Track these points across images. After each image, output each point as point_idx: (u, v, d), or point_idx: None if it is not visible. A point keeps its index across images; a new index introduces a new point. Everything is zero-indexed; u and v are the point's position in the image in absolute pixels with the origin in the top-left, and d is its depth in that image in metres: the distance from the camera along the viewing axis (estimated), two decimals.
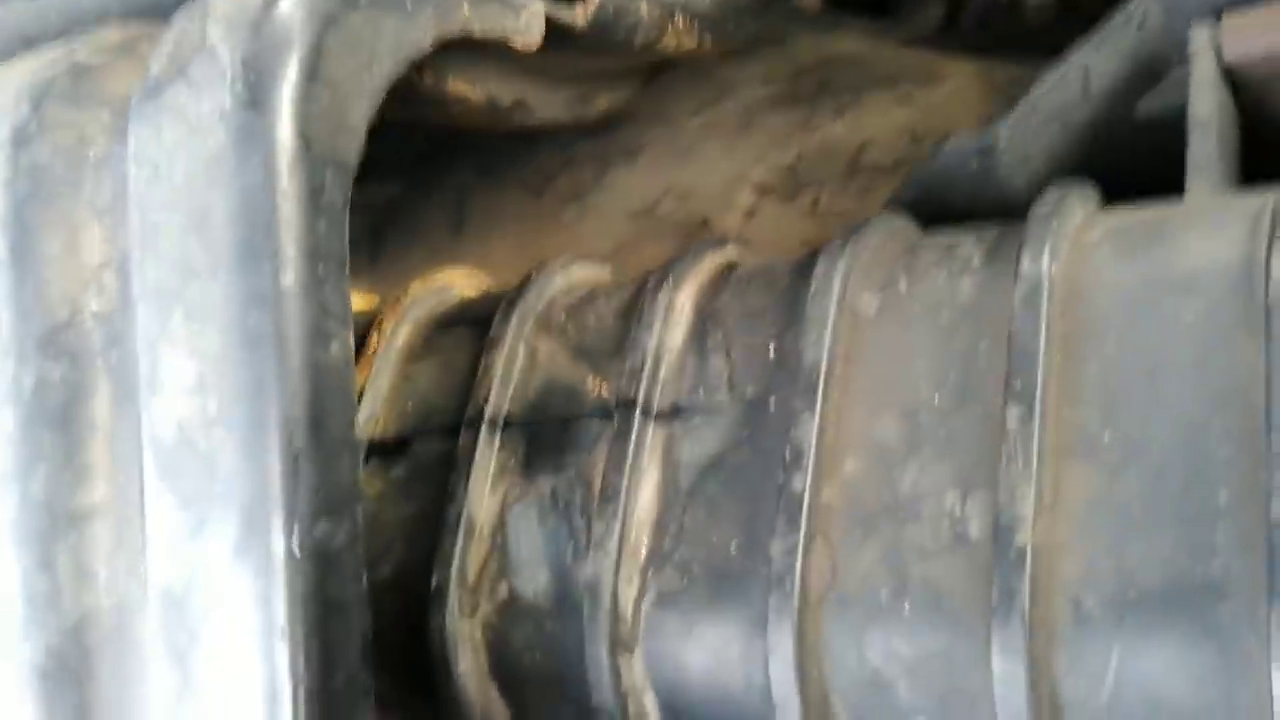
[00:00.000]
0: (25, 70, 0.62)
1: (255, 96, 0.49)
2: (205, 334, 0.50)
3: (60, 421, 0.56)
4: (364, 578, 0.50)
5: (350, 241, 1.30)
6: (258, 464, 0.48)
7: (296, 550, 0.48)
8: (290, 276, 0.48)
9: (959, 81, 1.05)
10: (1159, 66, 0.60)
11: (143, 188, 0.52)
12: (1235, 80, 0.57)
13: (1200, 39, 0.57)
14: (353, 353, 0.51)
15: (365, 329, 0.73)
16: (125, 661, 0.55)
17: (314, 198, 0.50)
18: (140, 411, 0.53)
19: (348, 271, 0.51)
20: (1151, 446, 0.46)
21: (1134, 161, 0.63)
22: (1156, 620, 0.44)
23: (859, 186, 1.01)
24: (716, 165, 1.11)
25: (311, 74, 0.50)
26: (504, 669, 0.60)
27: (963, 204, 0.63)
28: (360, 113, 0.52)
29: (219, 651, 0.49)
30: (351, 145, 0.52)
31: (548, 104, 0.80)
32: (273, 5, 0.51)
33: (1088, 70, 0.60)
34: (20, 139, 0.58)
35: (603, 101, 0.87)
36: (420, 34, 0.55)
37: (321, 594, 0.48)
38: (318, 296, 0.49)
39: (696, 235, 1.07)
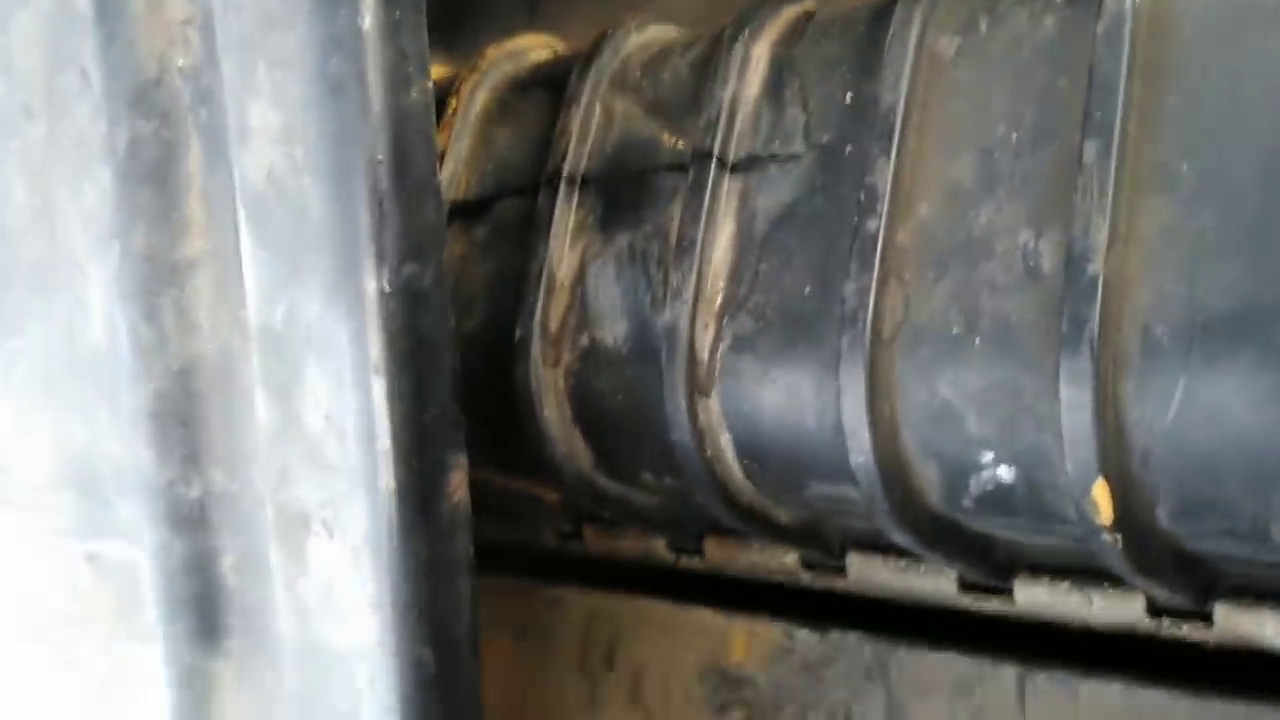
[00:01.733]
0: None
1: None
2: (289, 83, 0.51)
3: (155, 178, 0.58)
4: (450, 317, 0.53)
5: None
6: (346, 209, 0.50)
7: (386, 289, 0.50)
8: (368, 20, 0.49)
9: None
10: None
11: None
12: None
13: None
14: (432, 98, 0.52)
15: (443, 94, 0.73)
16: (230, 403, 0.58)
17: None
18: (231, 164, 0.55)
19: (424, 15, 0.51)
20: (1229, 176, 0.46)
21: None
22: (1224, 344, 0.45)
23: None
24: None
25: None
26: (586, 414, 0.63)
27: None
28: None
29: (318, 388, 0.52)
30: None
31: None
32: None
33: None
34: None
35: None
36: None
37: (412, 331, 0.51)
38: (396, 41, 0.50)
39: None
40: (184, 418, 0.59)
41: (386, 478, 0.51)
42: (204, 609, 0.60)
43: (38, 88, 0.62)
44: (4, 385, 0.66)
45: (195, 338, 0.59)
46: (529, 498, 0.73)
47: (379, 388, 0.50)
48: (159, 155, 0.58)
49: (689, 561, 0.72)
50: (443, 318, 0.52)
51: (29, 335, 0.64)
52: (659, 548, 0.73)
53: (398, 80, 0.50)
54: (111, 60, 0.58)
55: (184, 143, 0.58)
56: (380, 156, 0.50)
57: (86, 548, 0.64)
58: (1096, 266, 0.47)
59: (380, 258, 0.50)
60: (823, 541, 0.64)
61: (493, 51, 0.73)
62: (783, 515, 0.63)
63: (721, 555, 0.70)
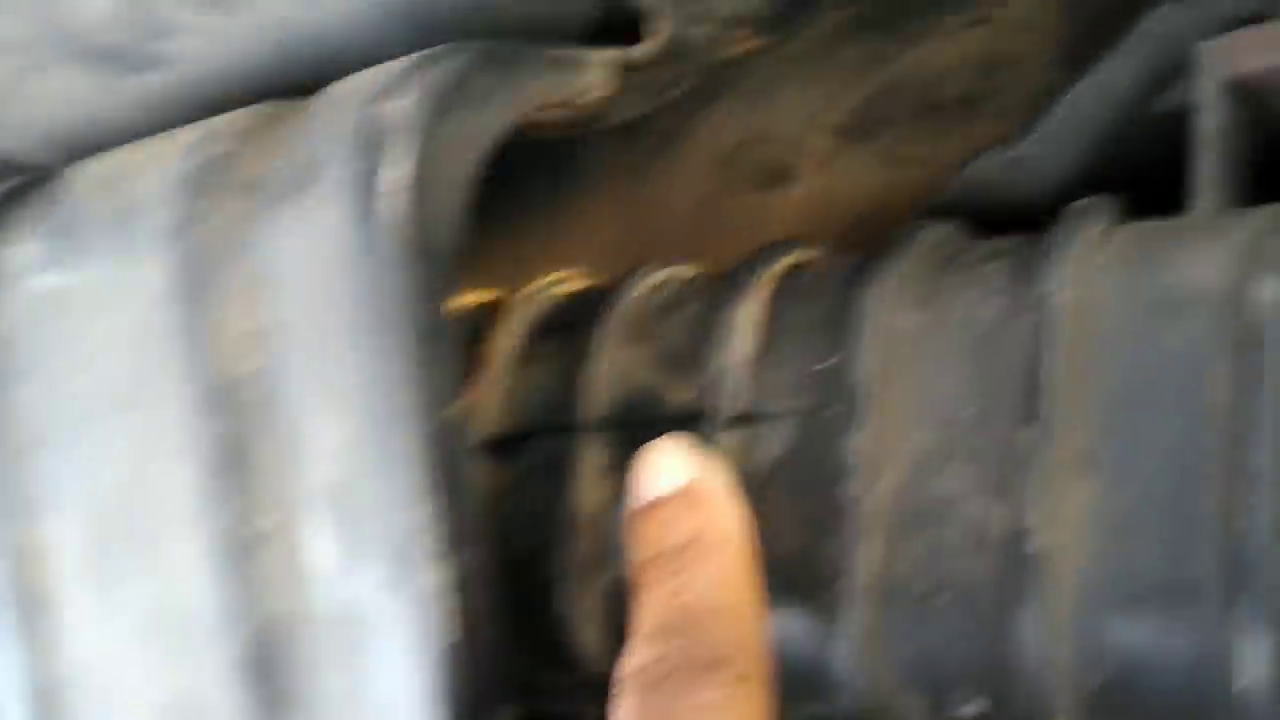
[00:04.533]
0: (166, 158, 0.72)
1: (366, 210, 0.58)
2: (344, 410, 0.60)
3: (232, 468, 0.68)
4: (494, 594, 0.61)
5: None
6: (398, 515, 0.59)
7: (436, 582, 0.59)
8: (411, 362, 0.58)
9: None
10: (1176, 73, 0.65)
11: (279, 284, 0.63)
12: (1245, 95, 0.61)
13: (1206, 54, 0.61)
14: (464, 414, 0.61)
15: (478, 333, 0.83)
16: (307, 658, 0.67)
17: (424, 291, 0.59)
18: (297, 464, 0.64)
19: (458, 345, 0.60)
20: (1144, 463, 0.54)
21: (1159, 152, 0.68)
22: (1145, 615, 0.52)
23: (931, 129, 1.06)
24: (794, 105, 1.16)
25: (413, 184, 0.59)
26: (620, 637, 0.71)
27: (998, 207, 0.69)
28: (457, 204, 0.61)
29: (382, 665, 0.61)
30: (453, 237, 0.61)
31: (625, 107, 0.87)
32: (375, 121, 0.60)
33: (1104, 84, 0.65)
34: (180, 229, 0.69)
35: (677, 90, 0.94)
36: (501, 123, 0.63)
37: (461, 615, 0.59)
38: (433, 373, 0.59)
39: (777, 186, 1.13)
40: (267, 668, 0.69)
41: None
42: None
43: (130, 385, 0.72)
44: (109, 631, 0.76)
45: (272, 599, 0.68)
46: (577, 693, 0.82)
47: (435, 666, 0.59)
48: (234, 448, 0.68)
49: None
50: (487, 597, 0.61)
51: (129, 590, 0.74)
52: None
53: (436, 405, 0.59)
54: (191, 368, 0.68)
55: (255, 436, 0.68)
56: (425, 474, 0.59)
57: None
58: (1034, 544, 0.55)
59: (429, 555, 0.59)
60: None
61: (519, 295, 0.83)
62: None
63: None
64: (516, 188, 1.30)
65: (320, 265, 0.60)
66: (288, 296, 0.63)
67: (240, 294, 0.67)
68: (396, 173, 0.58)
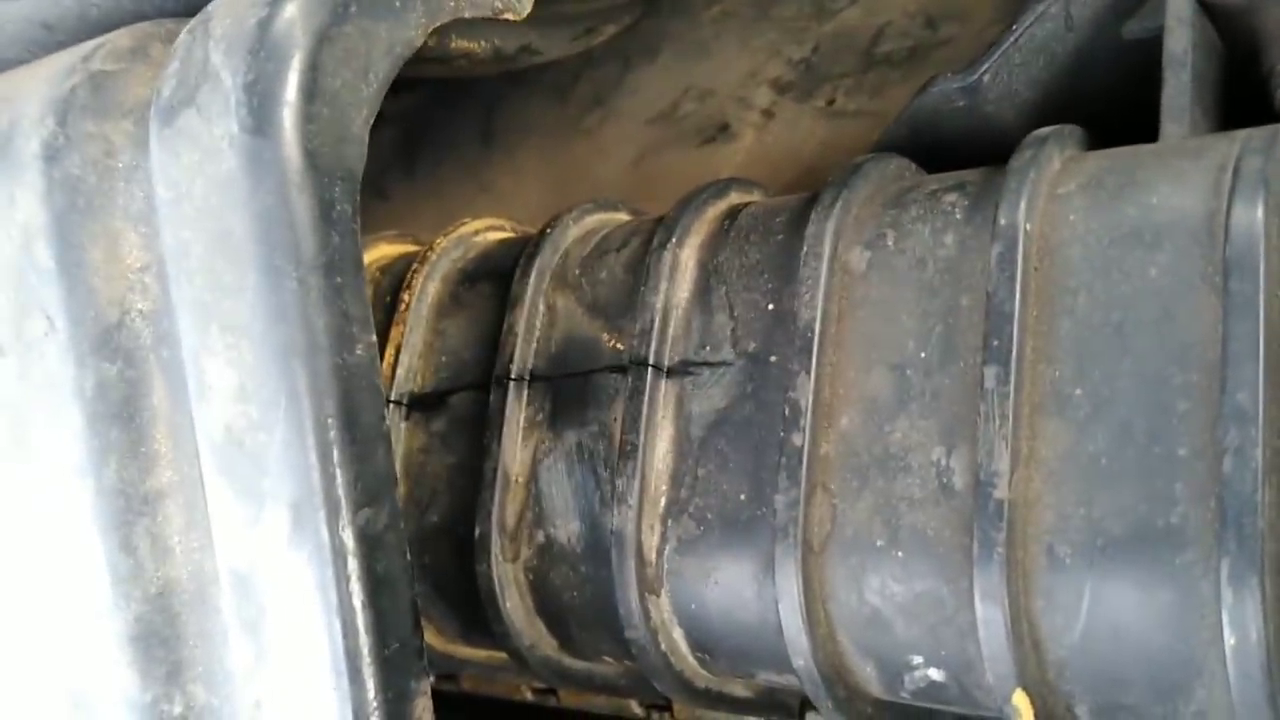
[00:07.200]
0: (44, 81, 0.65)
1: (260, 122, 0.52)
2: (240, 346, 0.54)
3: (123, 416, 0.61)
4: (407, 552, 0.56)
5: (385, 155, 1.32)
6: (300, 463, 0.53)
7: (343, 538, 0.53)
8: (311, 291, 0.52)
9: None
10: None
11: (169, 207, 0.56)
12: (1214, 14, 0.57)
13: None
14: (376, 350, 0.55)
15: (397, 285, 0.77)
16: (208, 625, 0.61)
17: (325, 212, 0.53)
18: (192, 413, 0.58)
19: (364, 277, 0.54)
20: (1118, 401, 0.49)
21: (1124, 81, 0.64)
22: (1122, 566, 0.48)
23: (874, 82, 1.01)
24: (734, 61, 1.11)
25: (310, 93, 0.53)
26: (547, 606, 0.66)
27: (954, 139, 0.65)
28: (361, 120, 0.55)
29: (286, 627, 0.55)
30: (356, 154, 0.55)
31: (553, 44, 0.82)
32: (268, 26, 0.54)
33: (1068, 3, 0.61)
34: (51, 153, 0.62)
35: (608, 30, 0.88)
36: (412, 32, 0.57)
37: (370, 574, 0.54)
38: (338, 305, 0.53)
39: (717, 142, 1.08)
40: (164, 638, 0.62)
41: (352, 712, 0.53)
42: None
43: (7, 327, 0.65)
44: None
45: (169, 562, 0.62)
46: (501, 666, 0.76)
47: (340, 629, 0.53)
48: (125, 394, 0.61)
49: (660, 717, 0.75)
50: (400, 555, 0.55)
51: (10, 559, 0.67)
52: (630, 705, 0.76)
53: (342, 341, 0.53)
54: (73, 307, 0.61)
55: (148, 381, 0.61)
56: (329, 416, 0.53)
57: None
58: (1001, 491, 0.50)
59: (334, 508, 0.53)
60: (782, 705, 0.67)
61: (440, 241, 0.77)
62: (738, 690, 0.66)
63: (689, 712, 0.73)
64: (444, 145, 1.24)
65: (213, 186, 0.54)
66: (179, 223, 0.56)
67: (129, 225, 0.61)
68: (294, 77, 0.52)
